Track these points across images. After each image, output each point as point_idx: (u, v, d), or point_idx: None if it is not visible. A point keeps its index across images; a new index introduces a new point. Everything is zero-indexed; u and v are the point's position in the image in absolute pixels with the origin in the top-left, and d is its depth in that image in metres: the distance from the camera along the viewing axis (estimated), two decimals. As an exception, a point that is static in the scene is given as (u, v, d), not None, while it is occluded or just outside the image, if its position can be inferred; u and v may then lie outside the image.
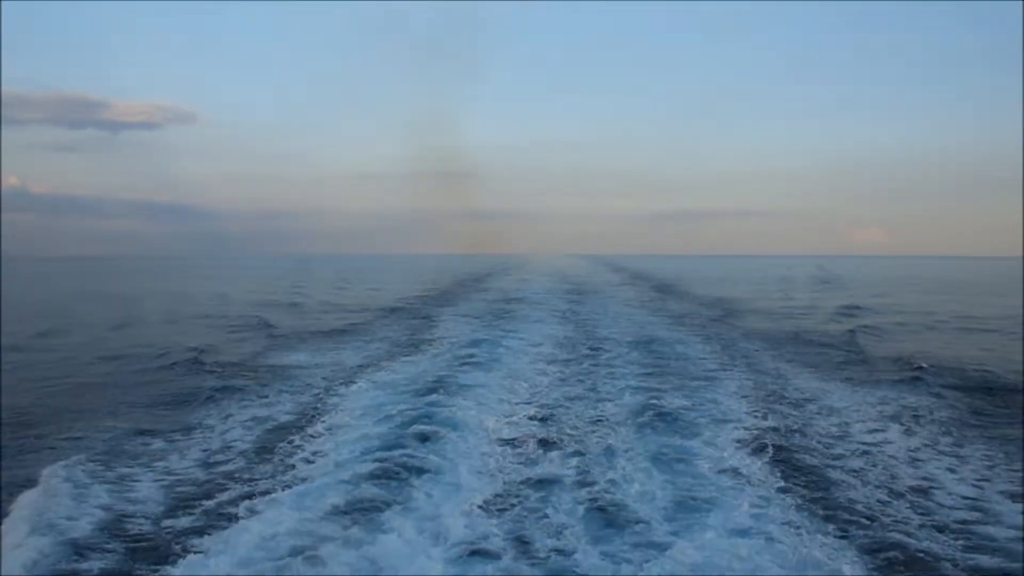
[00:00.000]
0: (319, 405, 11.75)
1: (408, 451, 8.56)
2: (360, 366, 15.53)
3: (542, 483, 7.84)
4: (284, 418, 11.02)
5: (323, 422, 10.50)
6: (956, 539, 6.68)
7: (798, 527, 6.71)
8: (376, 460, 8.27)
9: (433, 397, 11.33)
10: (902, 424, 10.77)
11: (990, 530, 6.93)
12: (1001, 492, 7.94)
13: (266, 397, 12.48)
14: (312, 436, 9.80)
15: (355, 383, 13.34)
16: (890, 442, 9.85)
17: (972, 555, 6.35)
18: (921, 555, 6.25)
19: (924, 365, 14.94)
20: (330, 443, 9.33)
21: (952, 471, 8.65)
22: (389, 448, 8.71)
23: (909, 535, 6.68)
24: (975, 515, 7.30)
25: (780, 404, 11.89)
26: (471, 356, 15.97)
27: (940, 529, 6.92)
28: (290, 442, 9.53)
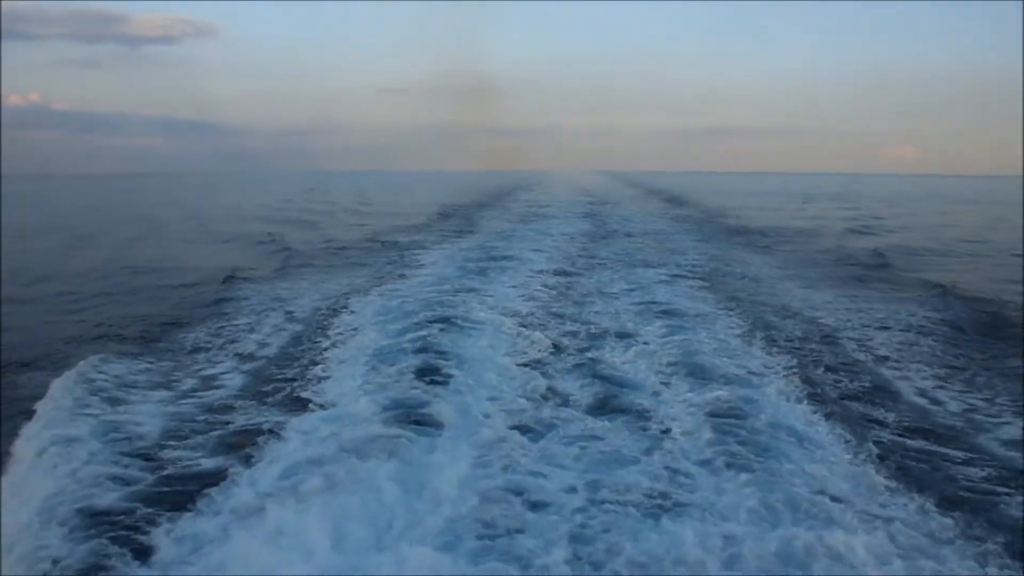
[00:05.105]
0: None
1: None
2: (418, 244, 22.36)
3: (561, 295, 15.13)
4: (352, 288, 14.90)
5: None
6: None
7: (702, 300, 13.54)
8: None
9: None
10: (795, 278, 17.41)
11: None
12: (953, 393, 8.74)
13: (326, 273, 17.15)
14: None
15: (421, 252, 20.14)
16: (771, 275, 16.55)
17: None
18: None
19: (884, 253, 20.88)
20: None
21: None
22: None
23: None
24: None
25: (723, 264, 18.32)
26: (514, 233, 24.77)
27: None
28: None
